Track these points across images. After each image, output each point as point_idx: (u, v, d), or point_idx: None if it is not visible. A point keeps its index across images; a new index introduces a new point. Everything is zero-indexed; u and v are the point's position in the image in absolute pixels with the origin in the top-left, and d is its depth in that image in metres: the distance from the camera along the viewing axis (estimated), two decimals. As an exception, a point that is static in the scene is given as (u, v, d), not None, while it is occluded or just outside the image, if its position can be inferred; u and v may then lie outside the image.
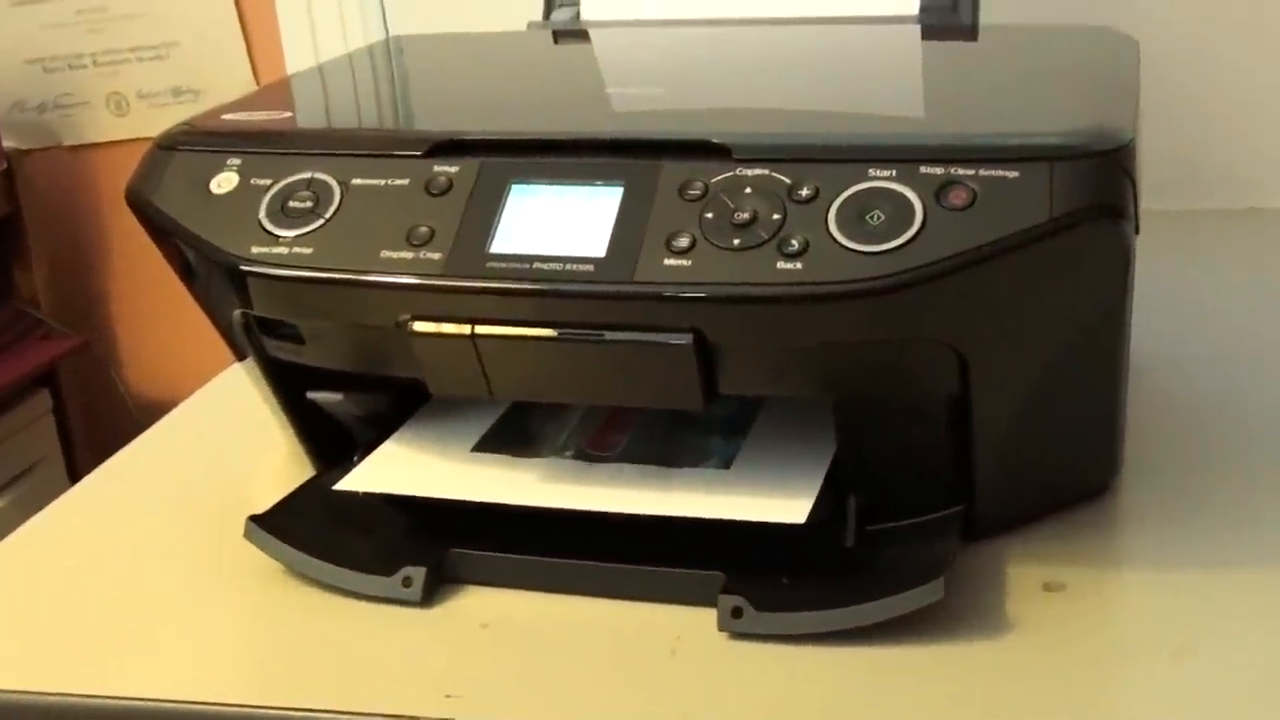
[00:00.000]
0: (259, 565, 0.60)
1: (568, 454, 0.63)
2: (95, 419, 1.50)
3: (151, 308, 1.48)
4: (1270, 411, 0.69)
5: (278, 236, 0.56)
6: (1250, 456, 0.65)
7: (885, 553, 0.59)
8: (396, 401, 0.65)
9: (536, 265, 0.54)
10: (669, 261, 0.52)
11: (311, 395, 0.63)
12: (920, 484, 0.60)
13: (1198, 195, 0.89)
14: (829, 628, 0.54)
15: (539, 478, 0.61)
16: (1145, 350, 0.62)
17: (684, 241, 0.53)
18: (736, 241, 0.52)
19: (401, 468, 0.63)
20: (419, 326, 0.55)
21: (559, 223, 0.55)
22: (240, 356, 0.64)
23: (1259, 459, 0.65)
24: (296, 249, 0.56)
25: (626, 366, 0.55)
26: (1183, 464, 0.65)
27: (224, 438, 0.75)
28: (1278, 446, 0.66)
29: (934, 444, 0.58)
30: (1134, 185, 0.52)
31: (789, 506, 0.56)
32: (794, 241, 0.52)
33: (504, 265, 0.54)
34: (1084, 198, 0.51)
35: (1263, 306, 0.78)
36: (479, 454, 0.63)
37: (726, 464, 0.61)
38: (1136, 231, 0.53)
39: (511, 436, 0.65)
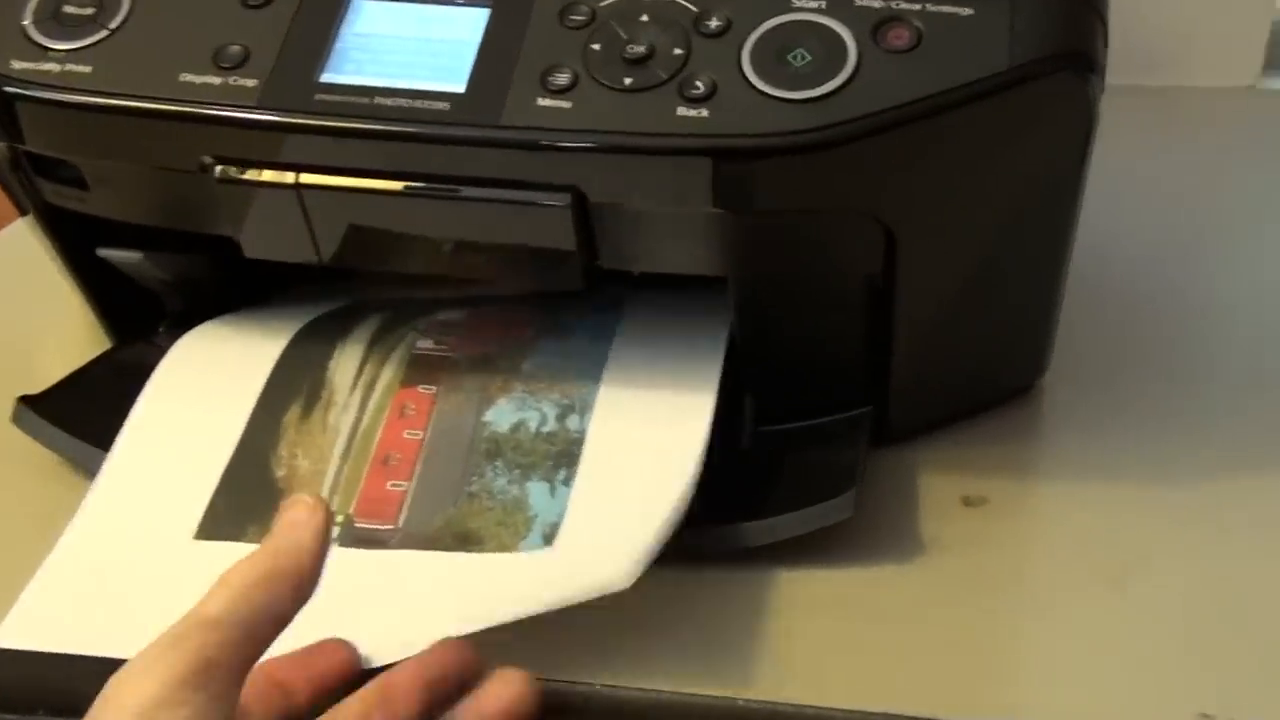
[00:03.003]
0: (34, 456, 0.50)
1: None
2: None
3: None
4: (1204, 304, 0.63)
5: (47, 50, 0.45)
6: (1184, 353, 0.59)
7: (786, 458, 0.51)
8: (212, 262, 0.54)
9: (378, 100, 0.43)
10: (544, 102, 0.42)
11: (103, 253, 0.52)
12: (827, 380, 0.52)
13: (1125, 71, 0.82)
14: (723, 547, 0.47)
15: None
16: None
17: (563, 78, 0.43)
18: (628, 80, 0.42)
19: (85, 585, 0.44)
20: (227, 172, 0.44)
21: (409, 49, 0.44)
22: (20, 208, 0.53)
23: (1194, 356, 0.58)
24: (71, 66, 0.44)
25: (488, 232, 0.45)
26: (1112, 362, 0.58)
27: (8, 304, 0.63)
28: (1214, 341, 0.60)
29: (847, 334, 0.50)
30: (1105, 31, 0.44)
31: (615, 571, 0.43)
32: (699, 83, 0.42)
33: (336, 98, 0.43)
34: (1050, 43, 0.42)
35: (1195, 191, 0.71)
36: (206, 543, 0.46)
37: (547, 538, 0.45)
38: (1102, 90, 0.45)
39: (247, 503, 0.47)
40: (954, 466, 0.52)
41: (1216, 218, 0.70)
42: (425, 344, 0.52)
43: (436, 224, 0.45)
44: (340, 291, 0.56)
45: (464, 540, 0.45)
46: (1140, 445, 0.53)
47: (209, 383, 0.51)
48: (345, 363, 0.51)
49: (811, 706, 0.42)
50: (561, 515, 0.46)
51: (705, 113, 0.42)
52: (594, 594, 0.42)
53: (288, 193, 0.44)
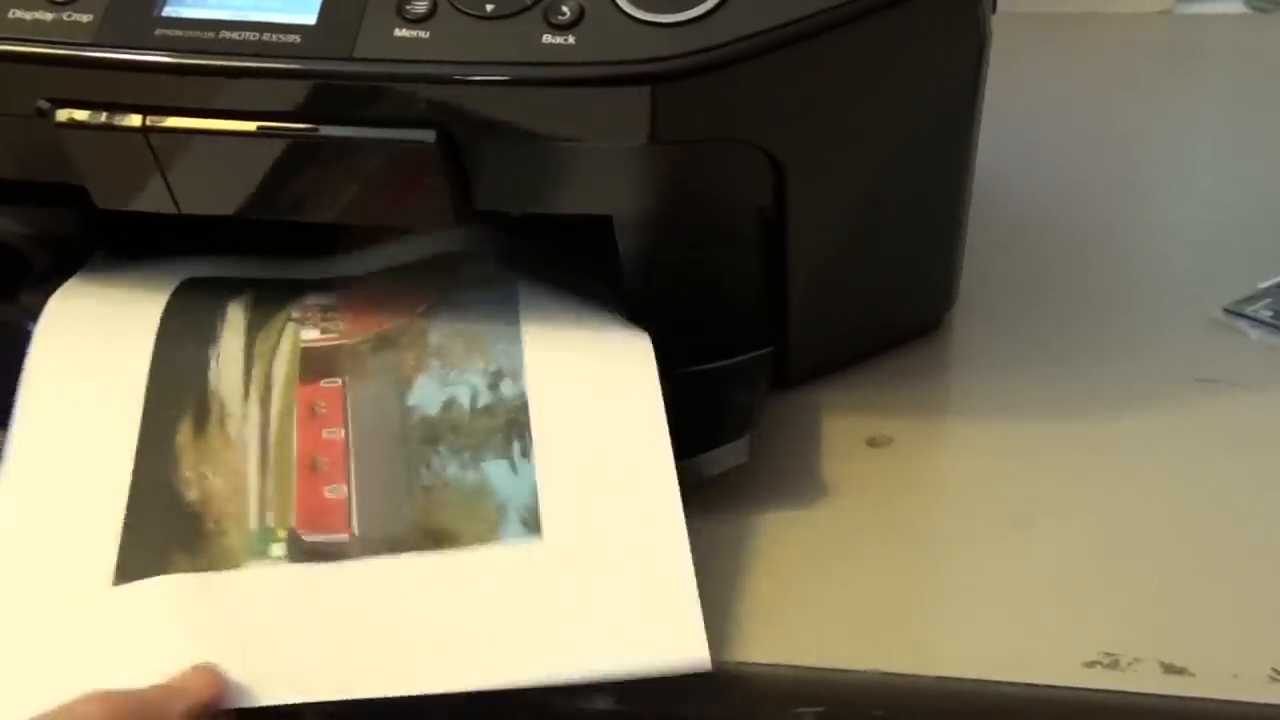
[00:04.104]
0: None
1: (276, 549, 0.41)
2: None
3: None
4: (1113, 235, 0.61)
5: None
6: (1093, 287, 0.57)
7: (684, 403, 0.49)
8: (75, 214, 0.50)
9: (224, 34, 0.40)
10: (401, 32, 0.40)
11: (-48, 211, 0.49)
12: (725, 322, 0.50)
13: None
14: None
15: (232, 627, 0.39)
16: (976, 168, 0.53)
17: (421, 6, 0.40)
18: (490, 7, 0.40)
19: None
20: (66, 115, 0.41)
21: (258, -21, 0.41)
22: None
23: (1102, 290, 0.57)
24: (-114, 2, 0.41)
25: (352, 173, 0.43)
26: (1021, 298, 0.57)
27: None
28: (1123, 275, 0.58)
29: (741, 273, 0.48)
30: (994, -55, 0.42)
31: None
32: (565, 8, 0.40)
33: (179, 33, 0.40)
34: (933, -43, 0.40)
35: (1105, 120, 0.70)
36: (130, 587, 0.40)
37: (532, 526, 0.41)
38: (994, 9, 0.43)
39: (164, 533, 0.41)
40: (859, 407, 0.50)
41: (1131, 146, 0.69)
42: (311, 334, 0.48)
43: (297, 166, 0.42)
44: (201, 259, 0.51)
45: (436, 538, 0.41)
46: (1047, 383, 0.51)
47: (84, 398, 0.45)
48: (226, 369, 0.46)
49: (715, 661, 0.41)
50: (534, 494, 0.42)
51: (572, 39, 0.39)
52: (673, 670, 0.38)
53: (135, 137, 0.41)
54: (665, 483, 0.42)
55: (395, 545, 0.41)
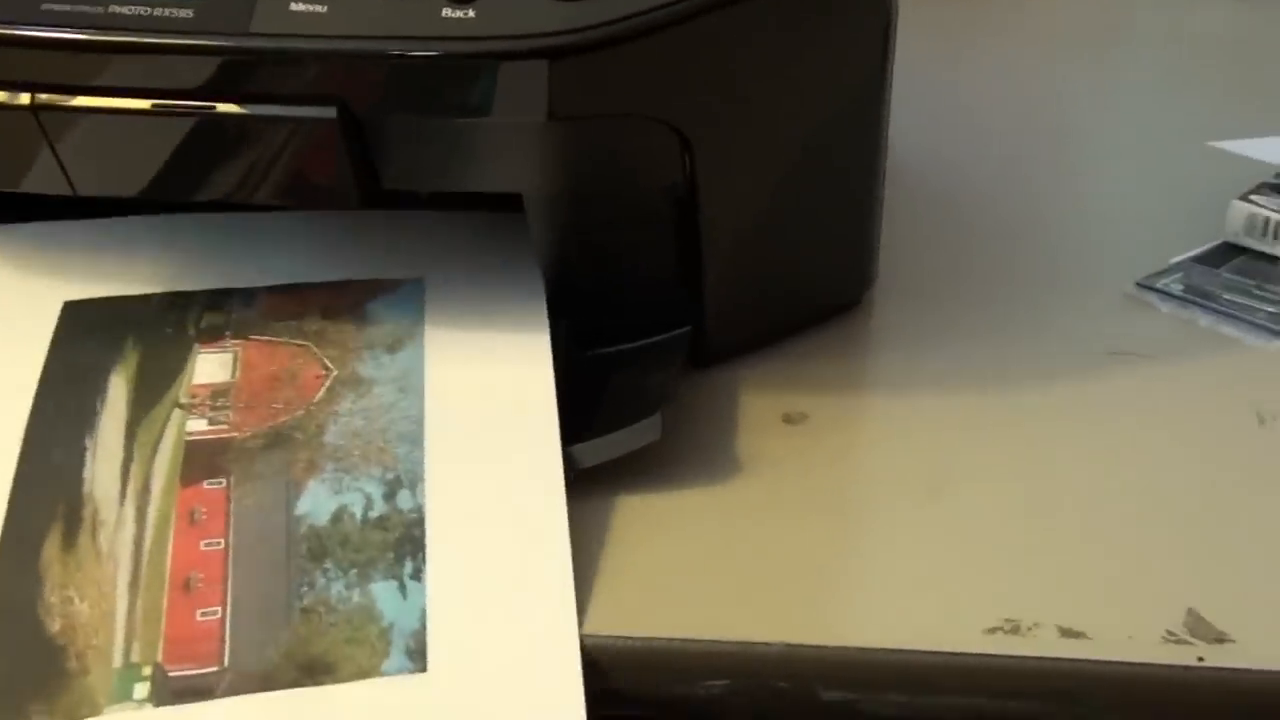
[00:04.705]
0: None
1: (139, 689, 0.37)
2: None
3: None
4: (1030, 212, 0.62)
5: None
6: (1011, 263, 0.58)
7: (599, 383, 0.49)
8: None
9: (113, 9, 0.39)
10: (297, 7, 0.39)
11: None
12: (642, 301, 0.49)
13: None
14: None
15: None
16: (895, 145, 0.54)
17: (318, -20, 0.40)
18: (388, -20, 0.40)
19: None
20: (-50, 94, 0.40)
21: (151, -46, 0.41)
22: None
23: (1021, 265, 0.58)
24: None
25: (253, 151, 0.42)
26: (939, 275, 0.57)
27: None
28: (1041, 250, 0.59)
29: (655, 252, 0.48)
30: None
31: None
32: (463, -19, 0.39)
33: (65, 8, 0.39)
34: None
35: (1023, 98, 0.70)
36: None
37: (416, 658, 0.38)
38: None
39: (21, 676, 0.37)
40: (776, 385, 0.50)
41: (1048, 124, 0.69)
42: (198, 424, 0.43)
43: (195, 145, 0.42)
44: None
45: (310, 671, 0.37)
46: (962, 358, 0.52)
47: None
48: (103, 466, 0.41)
49: (623, 636, 0.41)
50: (422, 621, 0.38)
51: (471, 13, 0.39)
52: None
53: (24, 116, 0.41)
54: (561, 597, 0.39)
55: (268, 681, 0.37)
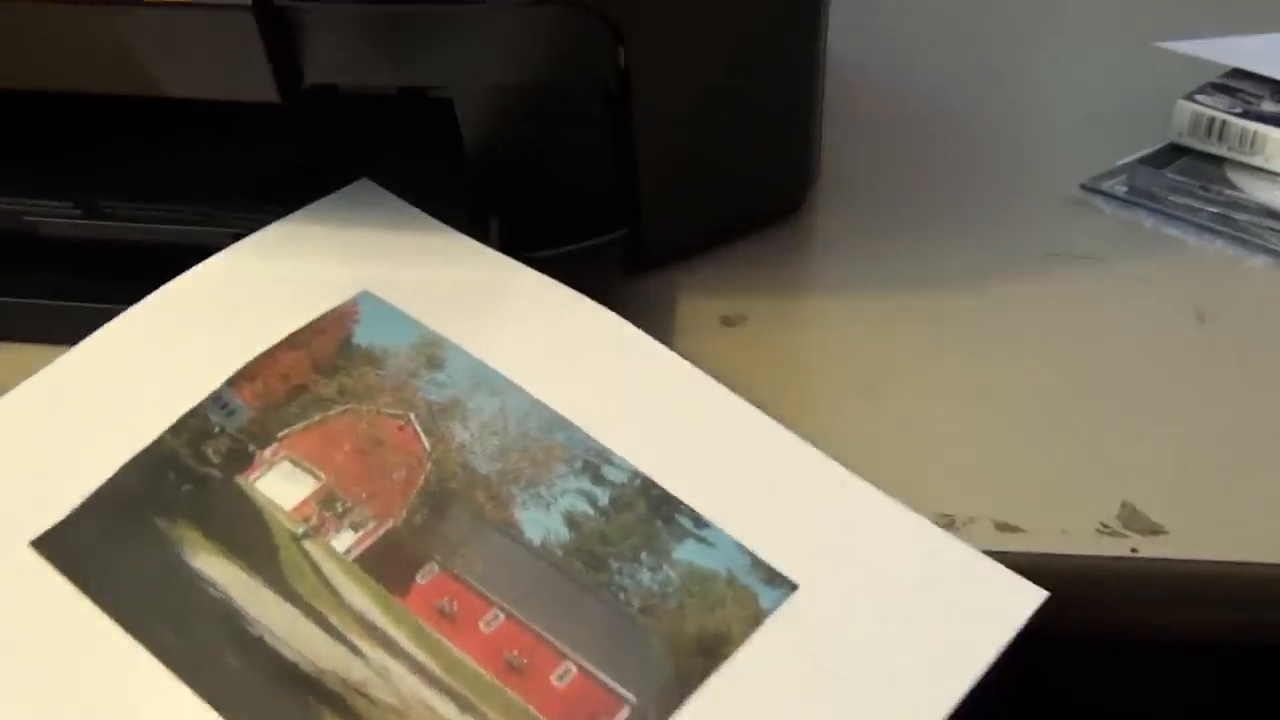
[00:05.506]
0: None
1: None
2: None
3: None
4: (976, 115, 0.61)
5: None
6: (956, 166, 0.57)
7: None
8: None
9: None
10: (206, -114, 0.38)
11: None
12: (577, 203, 0.48)
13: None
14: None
15: None
16: (836, 45, 0.53)
17: None
18: None
19: None
20: None
21: None
22: None
23: (966, 168, 0.57)
24: None
25: (169, 42, 0.40)
26: (883, 177, 0.57)
27: None
28: (986, 153, 0.58)
29: (589, 151, 0.47)
30: None
31: None
32: None
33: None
34: None
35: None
36: None
37: None
38: None
39: None
40: (715, 288, 0.50)
41: (996, 27, 0.68)
42: (344, 539, 0.37)
43: (109, 36, 0.40)
44: None
45: (707, 653, 0.34)
46: (903, 260, 0.51)
47: None
48: (298, 641, 0.35)
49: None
50: (749, 554, 0.36)
51: (389, -107, 0.37)
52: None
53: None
54: (821, 464, 0.38)
55: (684, 685, 0.34)
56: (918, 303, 0.49)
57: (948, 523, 0.38)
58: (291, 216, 0.45)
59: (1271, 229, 0.52)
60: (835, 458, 0.42)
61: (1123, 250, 0.52)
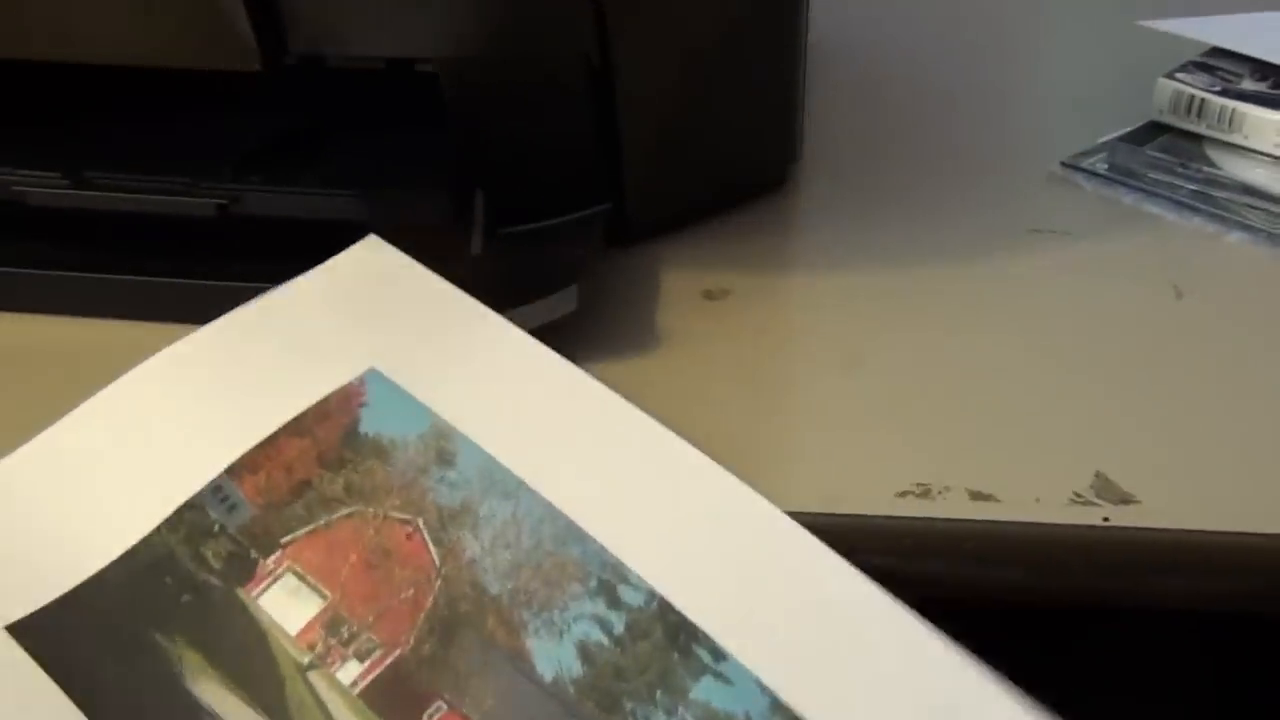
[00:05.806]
0: None
1: None
2: None
3: None
4: (959, 92, 0.61)
5: None
6: (939, 143, 0.58)
7: (518, 260, 0.48)
8: None
9: None
10: None
11: None
12: (561, 177, 0.49)
13: None
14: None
15: None
16: (819, 21, 0.53)
17: None
18: None
19: None
20: None
21: None
22: None
23: (949, 146, 0.58)
24: None
25: (152, 10, 0.41)
26: (866, 153, 0.57)
27: None
28: (969, 130, 0.59)
29: (571, 125, 0.47)
30: None
31: None
32: None
33: None
34: None
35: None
36: None
37: None
38: None
39: None
40: (698, 262, 0.50)
41: (979, 3, 0.69)
42: (350, 670, 0.35)
43: (82, 1, 0.40)
44: None
45: None
46: (885, 236, 0.52)
47: None
48: None
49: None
50: (769, 694, 0.34)
51: None
52: None
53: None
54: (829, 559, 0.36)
55: None
56: (898, 277, 0.49)
57: (923, 492, 0.38)
58: (298, 279, 0.43)
59: (1249, 205, 0.53)
60: (813, 431, 0.42)
61: (1102, 226, 0.52)
